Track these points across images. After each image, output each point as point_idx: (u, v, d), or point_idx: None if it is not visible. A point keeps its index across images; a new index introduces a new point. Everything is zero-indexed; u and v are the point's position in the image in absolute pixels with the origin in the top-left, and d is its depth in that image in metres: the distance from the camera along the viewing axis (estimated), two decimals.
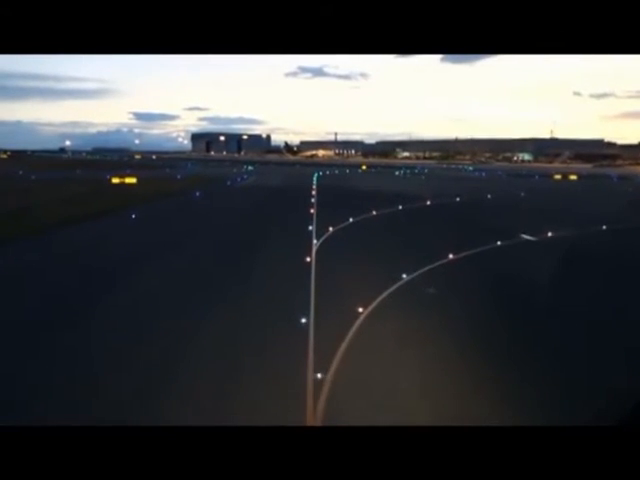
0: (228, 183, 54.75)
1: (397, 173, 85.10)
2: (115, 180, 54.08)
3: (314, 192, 43.38)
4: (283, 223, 25.91)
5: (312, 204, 33.99)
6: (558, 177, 77.12)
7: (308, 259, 16.84)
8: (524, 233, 22.60)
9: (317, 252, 18.18)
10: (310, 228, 23.52)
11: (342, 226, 24.38)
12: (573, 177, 77.01)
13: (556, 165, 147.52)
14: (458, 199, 38.42)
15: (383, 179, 69.17)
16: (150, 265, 16.48)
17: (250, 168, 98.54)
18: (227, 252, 18.69)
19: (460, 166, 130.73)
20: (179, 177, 64.17)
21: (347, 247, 19.52)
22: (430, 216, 29.99)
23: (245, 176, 69.96)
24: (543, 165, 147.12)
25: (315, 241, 20.19)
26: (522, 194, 44.11)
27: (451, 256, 17.59)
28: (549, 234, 22.54)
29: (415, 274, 15.10)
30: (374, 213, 29.28)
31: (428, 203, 35.31)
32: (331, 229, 23.07)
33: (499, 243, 20.23)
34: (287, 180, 61.93)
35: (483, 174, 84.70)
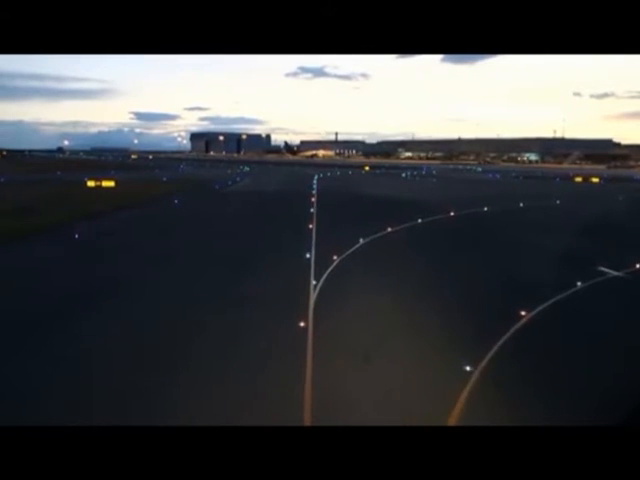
0: (216, 187, 48.42)
1: (404, 175, 78.64)
2: (90, 183, 48.44)
3: (314, 199, 37.14)
4: (272, 247, 19.65)
5: (312, 216, 27.78)
6: (579, 179, 71.01)
7: (302, 324, 10.62)
8: (601, 264, 16.41)
9: (317, 306, 11.97)
10: (308, 256, 17.34)
11: (351, 252, 18.18)
12: (595, 180, 70.96)
13: (567, 166, 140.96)
14: (486, 209, 32.13)
15: (390, 182, 62.76)
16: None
17: (246, 169, 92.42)
18: (175, 319, 12.47)
19: (468, 167, 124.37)
20: (165, 179, 57.98)
21: (362, 294, 13.25)
22: (461, 235, 23.64)
23: (238, 178, 63.58)
24: (553, 166, 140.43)
25: (314, 282, 13.97)
26: (557, 202, 37.67)
27: (524, 313, 11.41)
28: (637, 265, 16.35)
29: (484, 362, 8.89)
30: (389, 230, 23.06)
31: (452, 214, 29.06)
32: (336, 258, 16.89)
33: (579, 284, 14.01)
34: (284, 183, 55.44)
35: (497, 176, 78.24)
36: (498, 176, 78.48)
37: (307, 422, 6.86)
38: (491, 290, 13.90)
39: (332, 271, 15.30)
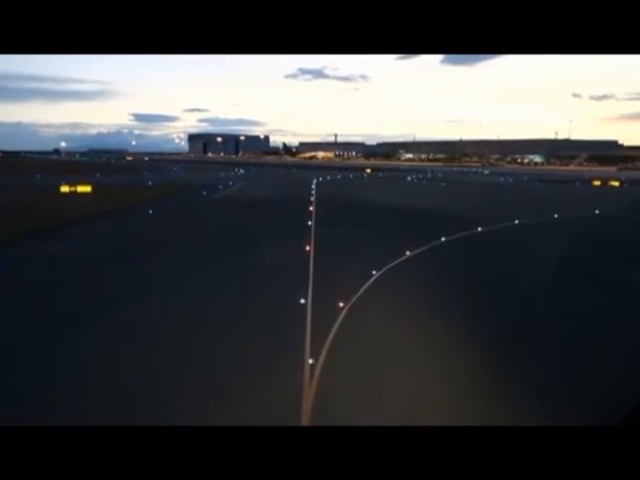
0: (204, 193, 43.27)
1: (409, 178, 73.46)
2: (64, 189, 43.67)
3: (312, 208, 32.06)
4: (255, 283, 14.50)
5: (309, 233, 22.69)
6: (597, 183, 66.07)
7: None
8: None
9: (316, 421, 6.89)
10: (302, 302, 12.27)
11: (363, 294, 13.09)
12: (615, 183, 66.11)
13: (575, 168, 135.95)
14: (517, 222, 27.02)
15: (396, 187, 57.51)
16: None
17: (241, 172, 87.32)
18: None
19: (473, 169, 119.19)
20: (150, 183, 52.85)
21: (388, 390, 8.12)
22: (503, 263, 18.45)
23: (230, 182, 58.35)
24: (561, 168, 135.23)
25: (311, 361, 8.87)
26: (596, 212, 32.45)
27: None
28: None
29: None
30: (408, 254, 18.03)
31: (480, 230, 23.98)
32: (342, 305, 11.84)
33: None
34: (279, 189, 50.15)
35: (510, 180, 73.08)
36: (510, 179, 73.31)
37: None
38: (577, 372, 8.84)
39: (338, 334, 10.20)
